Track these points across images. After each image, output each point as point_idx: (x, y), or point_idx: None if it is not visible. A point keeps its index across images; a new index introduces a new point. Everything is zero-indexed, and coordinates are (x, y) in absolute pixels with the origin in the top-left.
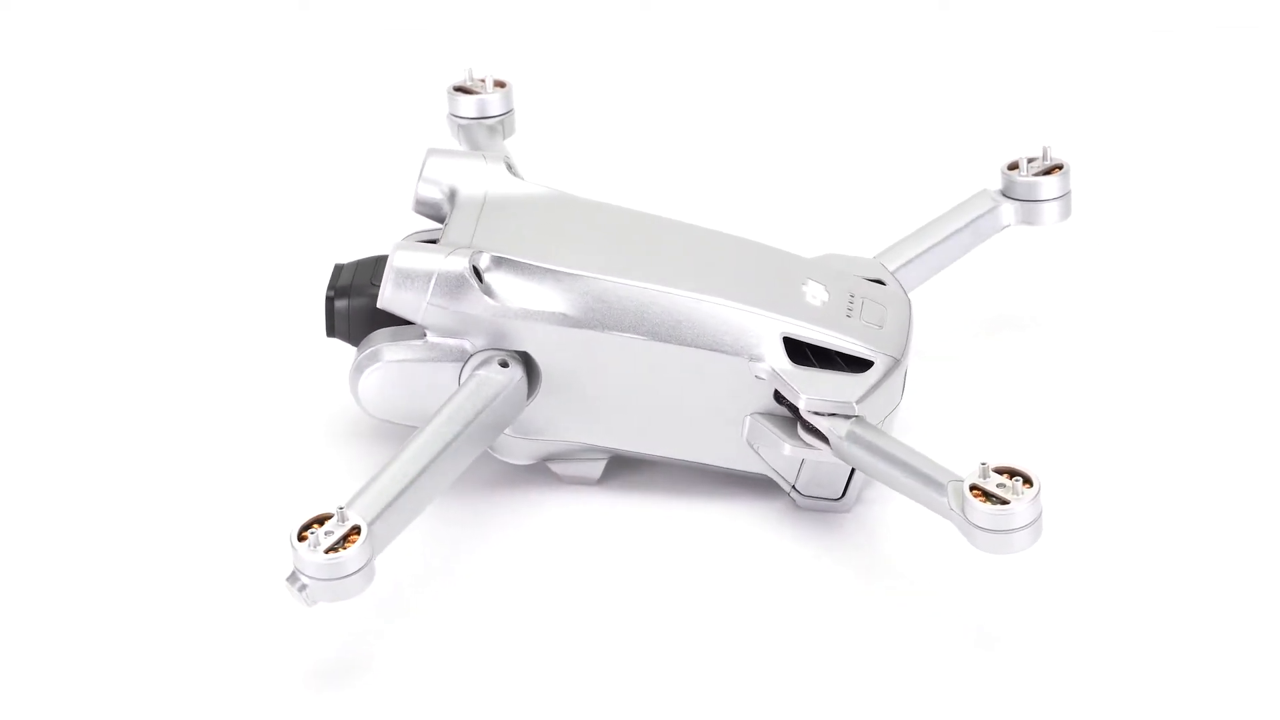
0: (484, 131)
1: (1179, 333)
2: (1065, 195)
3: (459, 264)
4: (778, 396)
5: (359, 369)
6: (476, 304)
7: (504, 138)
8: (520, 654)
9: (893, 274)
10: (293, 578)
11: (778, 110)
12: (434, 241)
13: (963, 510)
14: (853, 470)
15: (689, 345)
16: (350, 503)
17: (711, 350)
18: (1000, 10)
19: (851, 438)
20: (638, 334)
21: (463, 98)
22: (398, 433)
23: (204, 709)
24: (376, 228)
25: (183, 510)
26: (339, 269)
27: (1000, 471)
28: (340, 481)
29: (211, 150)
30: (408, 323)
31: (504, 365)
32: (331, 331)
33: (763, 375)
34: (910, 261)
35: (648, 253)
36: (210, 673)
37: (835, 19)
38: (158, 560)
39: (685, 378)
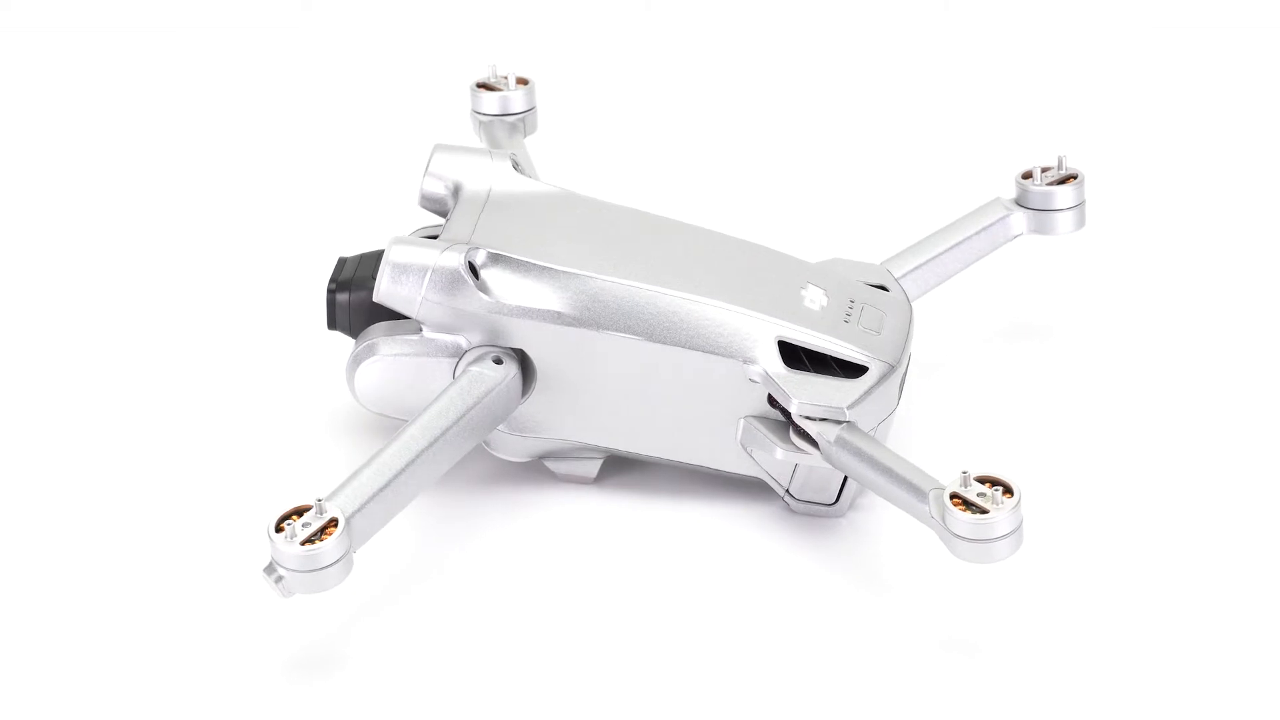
0: (504, 128)
1: (1192, 343)
2: (1080, 205)
3: (454, 260)
4: (771, 400)
5: (355, 362)
6: (471, 300)
7: (525, 135)
8: (506, 651)
9: (897, 280)
10: (270, 569)
11: (795, 114)
12: (436, 237)
13: (943, 519)
14: (846, 476)
15: (683, 346)
16: (331, 495)
17: (706, 352)
18: (1018, 15)
19: (840, 443)
20: (633, 334)
21: (485, 94)
22: (396, 426)
23: (189, 699)
24: (386, 222)
25: (178, 501)
26: (342, 262)
27: (982, 480)
28: (338, 474)
29: (222, 143)
30: (407, 317)
31: (498, 362)
32: (333, 324)
33: (756, 378)
34: (917, 268)
35: (647, 253)
36: (202, 662)
37: (855, 23)
38: (151, 551)
39: (679, 379)
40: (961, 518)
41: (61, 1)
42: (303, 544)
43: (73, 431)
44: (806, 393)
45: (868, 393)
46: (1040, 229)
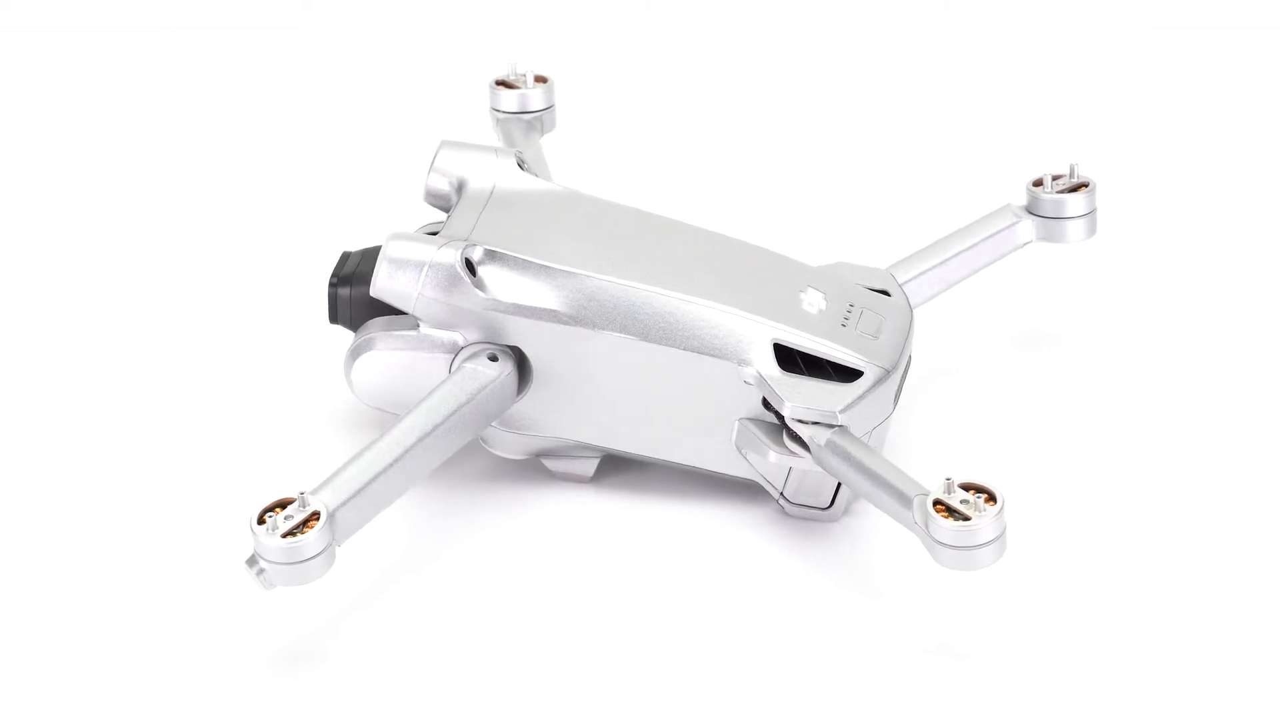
0: (521, 126)
1: (1203, 353)
2: (1091, 213)
3: (450, 256)
4: (766, 403)
5: (352, 356)
6: (468, 297)
7: (542, 134)
8: (495, 647)
9: (900, 285)
10: (252, 561)
11: (809, 117)
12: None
13: (926, 525)
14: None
15: (678, 347)
16: (316, 489)
17: (700, 353)
18: (1036, 19)
19: (830, 447)
20: (628, 334)
21: (503, 91)
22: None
23: (180, 691)
24: (396, 217)
25: (176, 493)
26: (345, 256)
27: (967, 487)
28: (334, 468)
29: (227, 141)
30: (405, 312)
31: (493, 359)
32: (334, 318)
33: (750, 380)
34: (923, 273)
35: (646, 253)
36: (195, 654)
37: (873, 26)
38: (145, 542)
39: (675, 380)
40: (944, 524)
41: (61, 1)
42: (284, 536)
43: (73, 422)
44: (799, 396)
45: (861, 397)
46: (1051, 237)
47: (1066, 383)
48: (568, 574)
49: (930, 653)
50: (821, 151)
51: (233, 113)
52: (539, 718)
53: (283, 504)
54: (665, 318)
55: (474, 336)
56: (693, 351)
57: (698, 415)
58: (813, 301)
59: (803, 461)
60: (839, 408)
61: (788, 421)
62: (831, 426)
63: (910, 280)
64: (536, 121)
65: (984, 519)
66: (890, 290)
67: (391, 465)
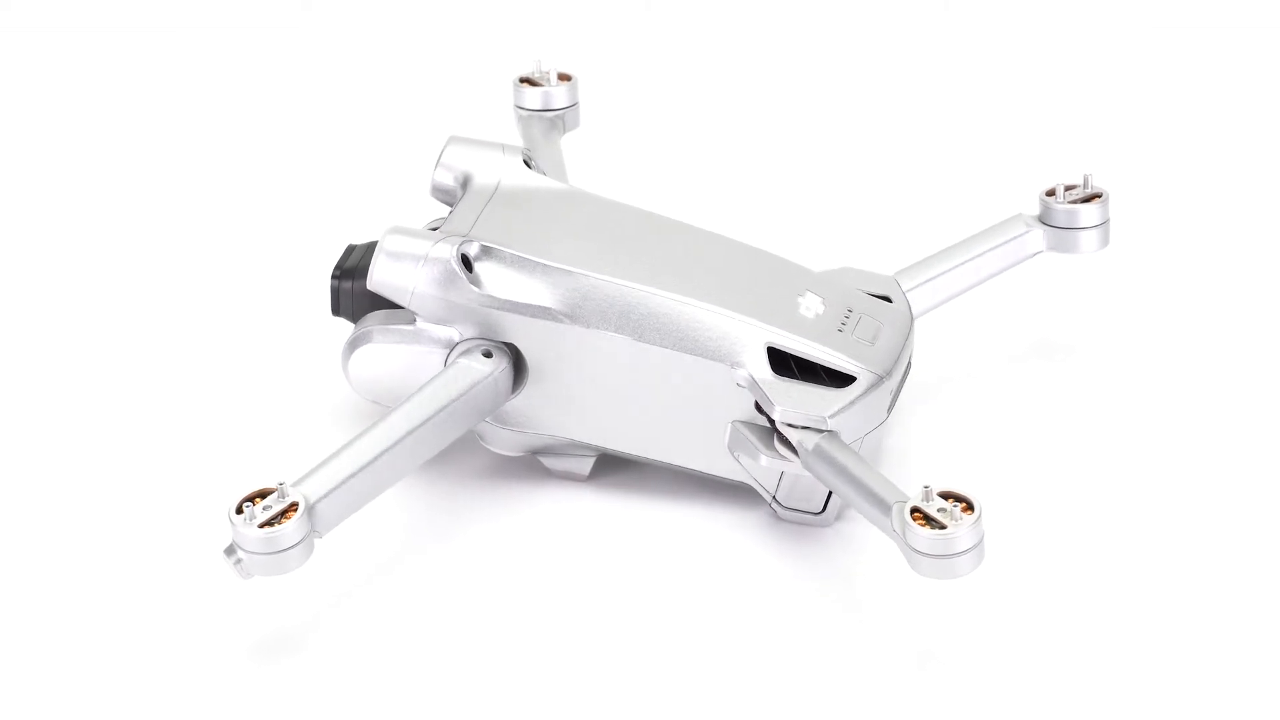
0: (544, 124)
1: (1217, 365)
2: (1104, 224)
3: (446, 251)
4: (758, 406)
5: (349, 348)
6: (463, 293)
7: (564, 132)
8: (479, 641)
9: (905, 292)
10: (230, 550)
11: (826, 122)
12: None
13: (903, 533)
14: None
15: (672, 348)
16: (299, 480)
17: (694, 354)
18: (1054, 27)
19: (818, 452)
20: (622, 333)
21: (527, 89)
22: None
23: (170, 684)
24: (408, 212)
25: (175, 484)
26: (350, 250)
27: (946, 496)
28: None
29: (235, 140)
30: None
31: (488, 355)
32: (336, 311)
33: (742, 383)
34: (929, 281)
35: (645, 253)
36: (189, 646)
37: (890, 33)
38: (140, 533)
39: (668, 381)
40: (921, 533)
41: (61, 1)
42: (261, 526)
43: (77, 412)
44: (790, 399)
45: (853, 403)
46: (1063, 247)
47: (1073, 393)
48: (557, 572)
49: (912, 662)
50: (838, 156)
51: (240, 110)
52: (516, 713)
53: (263, 494)
54: (659, 318)
55: (469, 332)
56: (686, 353)
57: (691, 417)
58: (810, 306)
59: (793, 466)
60: (829, 413)
61: (778, 425)
62: (821, 431)
63: (915, 287)
64: (559, 120)
65: (960, 528)
66: (893, 296)
67: (377, 458)
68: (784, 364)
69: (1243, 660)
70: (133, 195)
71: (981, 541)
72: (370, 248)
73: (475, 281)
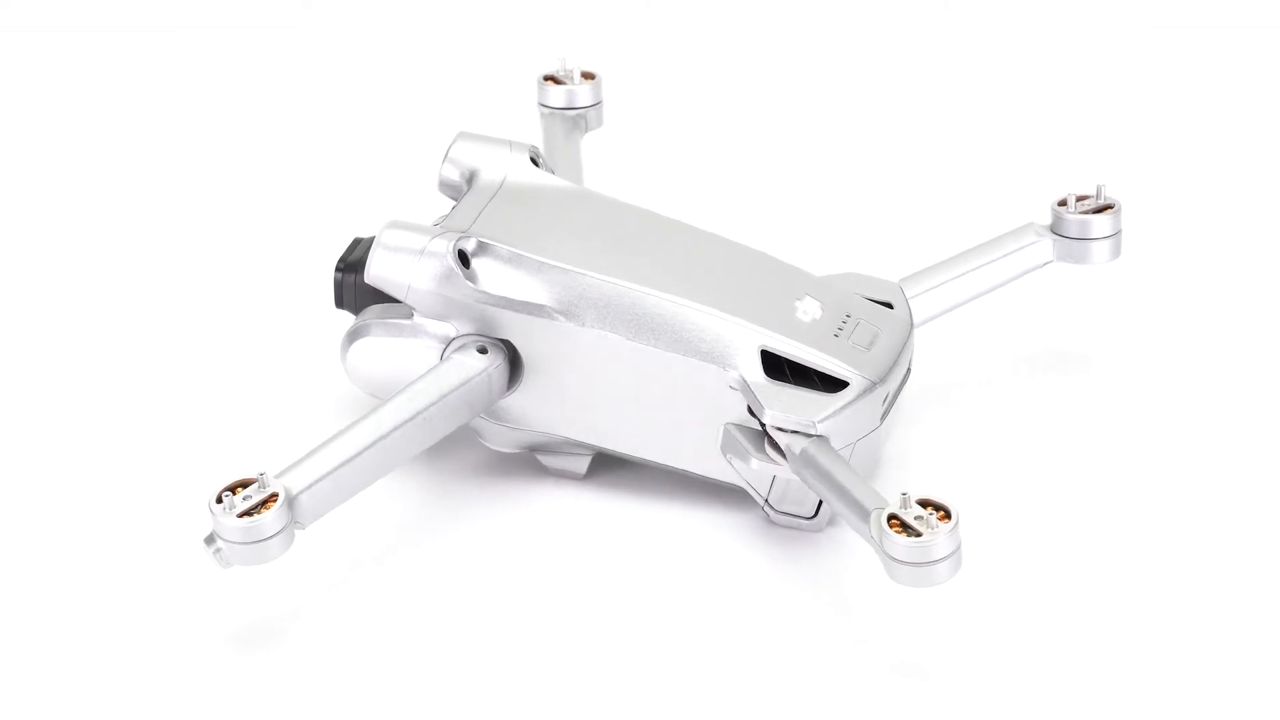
0: (566, 123)
1: (1225, 377)
2: (1116, 234)
3: (442, 246)
4: (751, 409)
5: (347, 341)
6: (459, 288)
7: (586, 131)
8: (464, 636)
9: (908, 299)
10: (210, 539)
11: (844, 128)
12: None
13: (880, 541)
14: None
15: (665, 349)
16: (282, 471)
17: (687, 356)
18: (1072, 34)
19: (804, 456)
20: (617, 332)
21: (551, 87)
22: None
23: (162, 674)
24: (419, 207)
25: (175, 475)
26: (356, 243)
27: (924, 504)
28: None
29: (242, 138)
30: None
31: (483, 351)
32: (340, 303)
33: (734, 385)
34: (934, 288)
35: (644, 254)
36: (184, 636)
37: (907, 41)
38: (136, 524)
39: (662, 381)
40: (897, 540)
41: (61, 1)
42: (240, 516)
43: (80, 404)
44: (780, 403)
45: (843, 408)
46: (1075, 258)
47: (1079, 403)
48: (548, 570)
49: (901, 667)
50: (856, 160)
51: (249, 107)
52: (501, 707)
53: (245, 484)
54: (654, 318)
55: (466, 328)
56: (680, 353)
57: (685, 418)
58: (808, 310)
59: (783, 470)
60: (818, 417)
61: (767, 428)
62: (810, 436)
63: (920, 294)
64: (580, 119)
65: (937, 536)
66: (895, 303)
67: (363, 451)
68: (778, 367)
69: (1243, 680)
70: (139, 192)
71: (959, 549)
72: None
73: (471, 277)
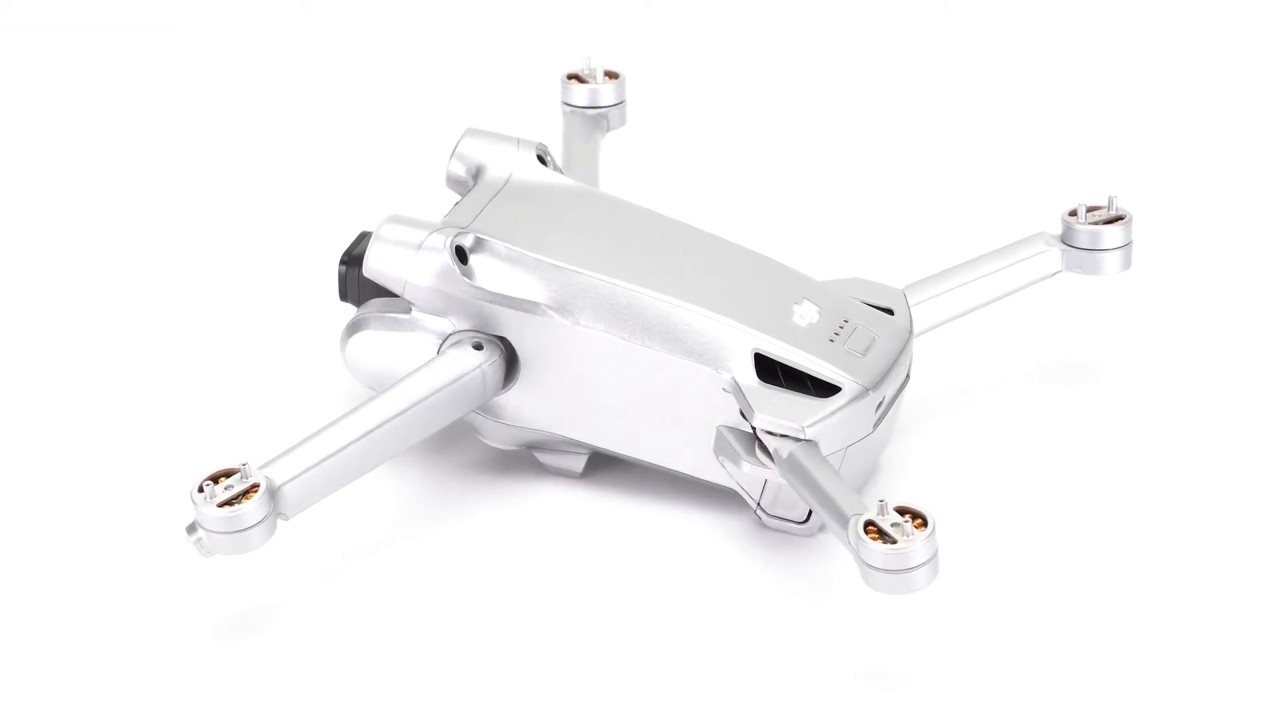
0: (586, 121)
1: (1234, 388)
2: (1127, 245)
3: (439, 242)
4: (743, 412)
5: (346, 334)
6: (455, 284)
7: (606, 131)
8: (451, 631)
9: (912, 306)
10: (192, 528)
11: (860, 134)
12: None
13: (857, 547)
14: None
15: (660, 349)
16: (267, 461)
17: (680, 357)
18: (1087, 42)
19: (791, 460)
20: (612, 332)
21: (575, 86)
22: None
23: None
24: (430, 202)
25: (176, 467)
26: (362, 236)
27: (902, 511)
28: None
29: (250, 136)
30: None
31: (478, 348)
32: (344, 296)
33: (726, 388)
34: (938, 295)
35: (644, 254)
36: (179, 627)
37: (921, 47)
38: (140, 517)
39: (656, 382)
40: (873, 547)
41: (61, 1)
42: (220, 505)
43: (85, 395)
44: (770, 406)
45: (834, 413)
46: (1085, 269)
47: (1087, 413)
48: (539, 567)
49: (862, 677)
50: (873, 166)
51: (258, 105)
52: (482, 700)
53: (228, 474)
54: (649, 319)
55: (463, 324)
56: (673, 354)
57: (678, 419)
58: (805, 314)
59: (773, 473)
60: (807, 422)
61: (758, 432)
62: (798, 440)
63: (924, 301)
64: (602, 118)
65: (912, 543)
66: (896, 309)
67: (351, 444)
68: (772, 371)
69: (1245, 693)
70: (147, 190)
71: (935, 556)
72: None
73: (468, 273)
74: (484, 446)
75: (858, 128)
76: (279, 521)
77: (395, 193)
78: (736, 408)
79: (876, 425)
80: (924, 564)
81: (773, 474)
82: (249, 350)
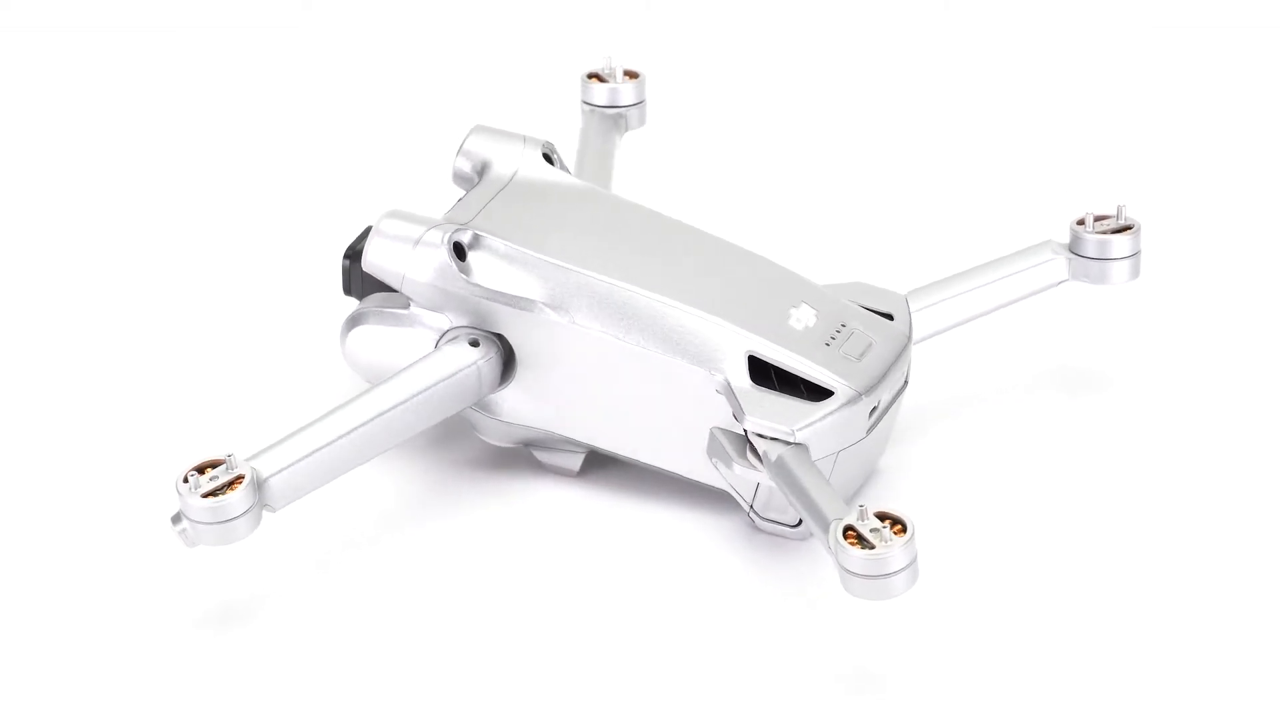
0: (604, 120)
1: (1241, 400)
2: (1135, 255)
3: (436, 237)
4: (735, 414)
5: (345, 327)
6: (452, 280)
7: (625, 130)
8: (440, 625)
9: (913, 311)
10: (176, 518)
11: (880, 140)
12: None
13: (835, 553)
14: None
15: (654, 349)
16: (256, 453)
17: (675, 357)
18: (1098, 49)
19: (779, 463)
20: (606, 331)
21: (595, 85)
22: None
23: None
24: (440, 198)
25: (176, 459)
26: (367, 232)
27: (882, 517)
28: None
29: (256, 135)
30: None
31: (474, 344)
32: (348, 290)
33: (719, 389)
34: (941, 302)
35: (643, 254)
36: (162, 613)
37: (933, 53)
38: (139, 509)
39: (650, 382)
40: (852, 553)
41: (61, 1)
42: (204, 496)
43: (89, 388)
44: (761, 409)
45: (824, 417)
46: (1093, 278)
47: (1092, 421)
48: (530, 564)
49: (850, 681)
50: (884, 170)
51: (267, 103)
52: (472, 694)
53: (215, 465)
54: (645, 318)
55: (461, 320)
56: (668, 355)
57: (672, 420)
58: (802, 317)
59: (764, 476)
60: (797, 425)
61: (748, 434)
62: (788, 443)
63: (926, 307)
64: (621, 118)
65: (890, 549)
66: (897, 315)
67: (341, 437)
68: (765, 374)
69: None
70: (155, 188)
71: (914, 562)
72: None
73: (465, 270)
74: (482, 443)
75: (873, 131)
76: (267, 513)
77: (406, 189)
78: (729, 410)
79: (870, 430)
80: (902, 570)
81: (764, 477)
82: (254, 344)
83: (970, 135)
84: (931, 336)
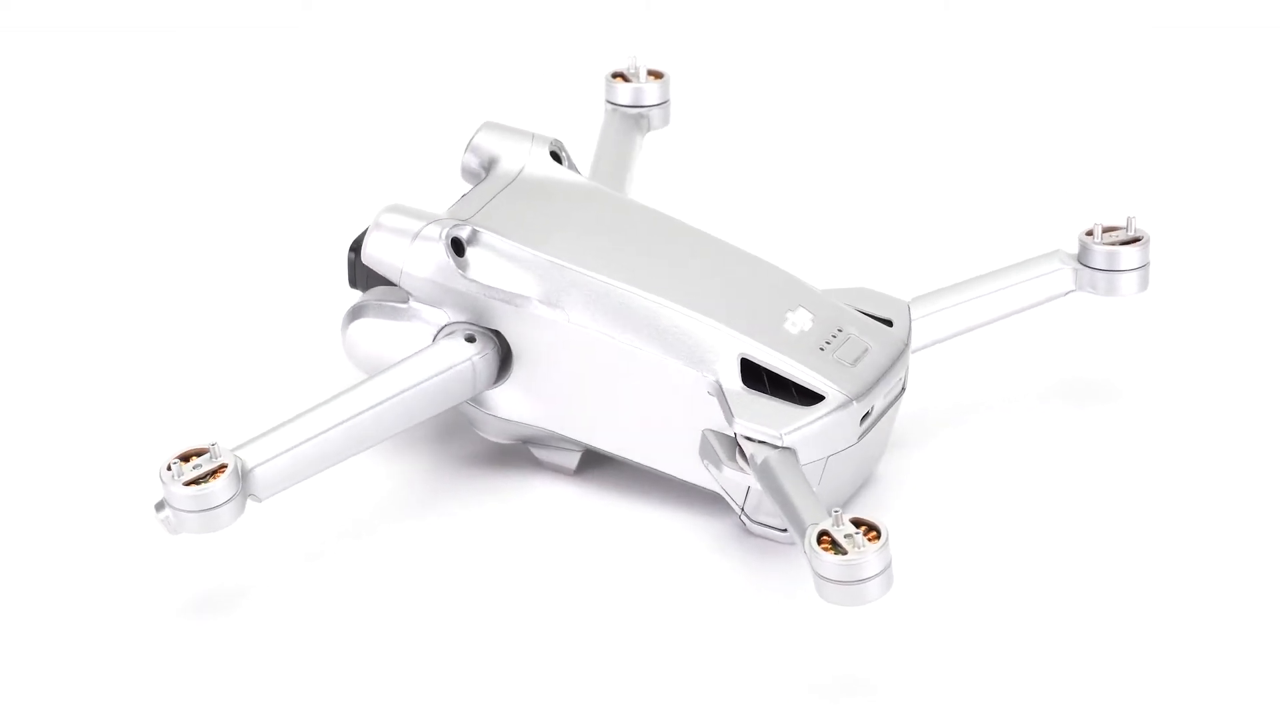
0: (626, 120)
1: (1254, 414)
2: (1144, 267)
3: (435, 232)
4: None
5: (346, 320)
6: (449, 275)
7: (647, 130)
8: (431, 621)
9: (915, 319)
10: (160, 505)
11: (894, 146)
12: None
13: (809, 558)
14: None
15: (648, 349)
16: (243, 443)
17: (668, 357)
18: (1106, 57)
19: (764, 466)
20: (601, 330)
21: (618, 85)
22: None
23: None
24: (452, 194)
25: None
26: None
27: (857, 523)
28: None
29: (258, 134)
30: None
31: (470, 340)
32: (353, 283)
33: (711, 391)
34: (944, 309)
35: (642, 254)
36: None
37: (943, 60)
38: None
39: (644, 382)
40: (825, 558)
41: (61, 1)
42: (186, 484)
43: (93, 383)
44: (751, 412)
45: (814, 422)
46: (1101, 289)
47: (1092, 432)
48: (523, 561)
49: (827, 686)
50: (897, 177)
51: (273, 102)
52: (463, 690)
53: (199, 453)
54: (639, 318)
55: (458, 315)
56: (661, 355)
57: (666, 420)
58: (798, 321)
59: (751, 479)
60: (785, 429)
61: (738, 437)
62: (776, 447)
63: (929, 315)
64: (643, 118)
65: (864, 555)
66: (897, 321)
67: (330, 429)
68: (757, 377)
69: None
70: (166, 184)
71: (888, 568)
72: None
73: (462, 265)
74: (482, 439)
75: (892, 137)
76: (252, 503)
77: (421, 185)
78: (721, 412)
79: (862, 437)
80: (876, 576)
81: (750, 480)
82: (261, 336)
83: (989, 144)
84: (934, 344)
